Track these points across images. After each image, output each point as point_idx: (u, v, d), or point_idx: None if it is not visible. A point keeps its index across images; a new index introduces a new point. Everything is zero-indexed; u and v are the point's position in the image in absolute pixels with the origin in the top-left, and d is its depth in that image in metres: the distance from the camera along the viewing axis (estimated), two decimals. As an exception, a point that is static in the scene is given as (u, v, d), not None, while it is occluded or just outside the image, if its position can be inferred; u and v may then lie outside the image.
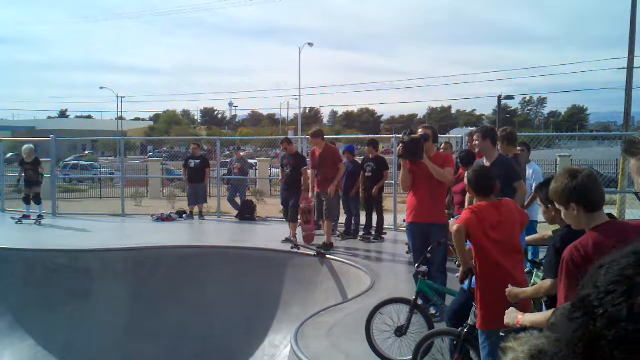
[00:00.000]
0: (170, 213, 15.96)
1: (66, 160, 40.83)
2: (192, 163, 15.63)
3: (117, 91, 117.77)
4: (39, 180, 15.29)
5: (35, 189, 15.21)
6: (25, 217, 15.31)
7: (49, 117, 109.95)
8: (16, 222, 15.14)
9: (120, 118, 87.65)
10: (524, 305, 3.90)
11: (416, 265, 6.31)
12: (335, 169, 11.25)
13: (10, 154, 32.63)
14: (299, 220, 12.24)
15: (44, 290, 10.78)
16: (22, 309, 10.57)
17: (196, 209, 15.75)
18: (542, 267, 4.66)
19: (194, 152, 15.93)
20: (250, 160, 24.27)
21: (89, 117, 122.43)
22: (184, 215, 15.78)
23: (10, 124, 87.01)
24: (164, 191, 25.70)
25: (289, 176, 12.53)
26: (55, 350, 9.91)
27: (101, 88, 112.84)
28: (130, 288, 10.99)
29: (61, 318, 10.29)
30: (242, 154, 17.94)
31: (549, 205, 3.94)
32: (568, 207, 3.24)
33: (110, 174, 30.68)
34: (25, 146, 15.60)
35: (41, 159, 15.88)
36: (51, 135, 17.60)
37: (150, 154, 37.64)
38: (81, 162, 39.09)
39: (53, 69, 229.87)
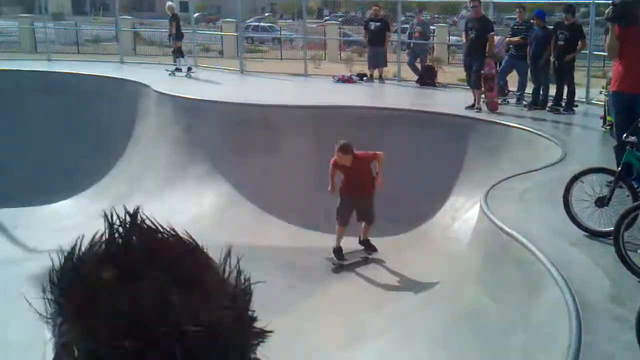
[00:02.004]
0: (351, 75, 16.13)
1: (247, 21, 42.07)
2: (373, 25, 15.45)
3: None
4: (179, 35, 16.31)
5: (176, 43, 16.32)
6: (178, 70, 16.37)
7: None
8: (169, 74, 16.21)
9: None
10: None
11: (624, 135, 5.94)
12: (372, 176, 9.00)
13: (197, 14, 34.18)
14: (482, 88, 11.86)
15: (237, 140, 11.56)
16: (219, 156, 11.50)
17: (376, 73, 15.75)
18: None
19: (376, 13, 15.69)
20: (429, 26, 23.50)
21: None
22: (364, 78, 15.89)
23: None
24: (341, 55, 25.90)
25: (473, 41, 12.04)
26: (250, 196, 10.78)
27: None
28: (314, 144, 11.41)
29: (253, 167, 11.07)
30: (422, 17, 17.38)
31: None
32: None
33: (289, 36, 31.26)
34: (167, 3, 16.81)
35: (226, 19, 16.67)
36: (236, -5, 18.12)
37: (327, 17, 37.74)
38: (261, 24, 40.20)
39: None
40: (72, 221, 11.38)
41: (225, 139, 11.74)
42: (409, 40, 16.43)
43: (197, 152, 11.80)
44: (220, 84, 15.40)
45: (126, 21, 23.23)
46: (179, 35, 16.46)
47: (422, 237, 9.39)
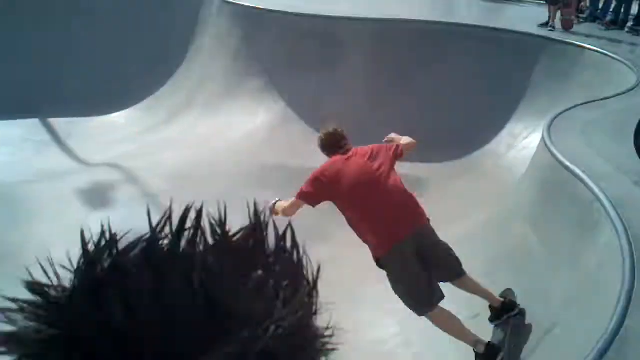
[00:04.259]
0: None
1: None
2: None
3: None
4: None
5: None
6: None
7: None
8: None
9: None
10: None
11: None
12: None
13: None
14: (559, 3, 11.03)
15: (296, 53, 11.15)
16: (275, 70, 11.17)
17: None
18: None
19: None
20: None
21: None
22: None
23: None
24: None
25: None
26: (302, 112, 10.51)
27: None
28: (373, 61, 10.87)
29: (309, 81, 10.70)
30: None
31: None
32: None
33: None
34: None
35: None
36: None
37: None
38: None
39: None
40: (123, 134, 11.32)
41: (282, 52, 11.32)
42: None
43: (254, 66, 11.51)
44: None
45: None
46: None
47: (473, 166, 9.00)
